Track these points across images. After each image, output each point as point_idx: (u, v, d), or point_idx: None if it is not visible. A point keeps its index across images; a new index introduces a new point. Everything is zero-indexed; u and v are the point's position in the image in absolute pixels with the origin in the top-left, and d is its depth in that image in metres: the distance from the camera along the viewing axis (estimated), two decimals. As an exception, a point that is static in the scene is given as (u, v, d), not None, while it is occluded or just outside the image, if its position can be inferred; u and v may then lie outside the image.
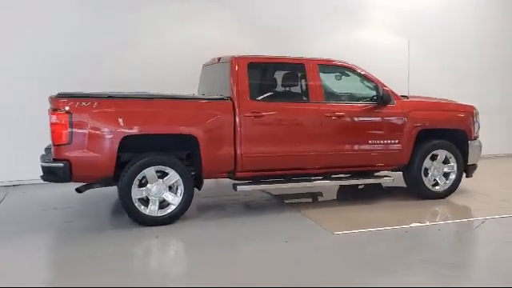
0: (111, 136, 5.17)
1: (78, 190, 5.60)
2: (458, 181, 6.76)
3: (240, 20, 8.76)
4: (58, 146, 5.07)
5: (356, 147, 6.21)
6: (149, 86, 7.11)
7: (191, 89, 7.06)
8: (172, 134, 5.47)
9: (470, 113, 6.87)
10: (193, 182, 5.54)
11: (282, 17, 8.95)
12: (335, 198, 7.06)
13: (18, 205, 6.62)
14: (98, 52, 7.88)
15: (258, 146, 5.75)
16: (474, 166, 6.92)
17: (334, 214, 5.92)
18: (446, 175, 6.71)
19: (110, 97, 5.35)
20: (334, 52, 6.92)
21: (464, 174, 6.84)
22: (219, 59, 6.33)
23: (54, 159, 5.11)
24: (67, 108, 5.05)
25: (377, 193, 7.21)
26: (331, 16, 9.32)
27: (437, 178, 6.67)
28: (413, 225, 5.46)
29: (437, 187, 6.68)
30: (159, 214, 5.42)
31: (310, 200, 7.00)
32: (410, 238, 5.10)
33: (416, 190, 6.68)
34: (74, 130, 5.04)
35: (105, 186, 5.59)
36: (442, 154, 6.63)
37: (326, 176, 6.29)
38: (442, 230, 5.34)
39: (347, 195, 7.12)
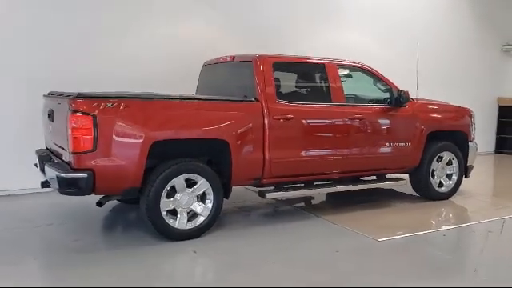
0: (141, 141, 4.59)
1: (100, 204, 4.93)
2: (459, 182, 6.92)
3: (227, 17, 8.32)
4: (80, 153, 4.40)
5: (375, 150, 6.11)
6: (134, 83, 6.73)
7: (177, 85, 6.72)
8: (205, 138, 4.99)
9: (468, 115, 7.06)
10: (222, 190, 5.11)
11: (269, 15, 8.66)
12: (343, 201, 6.86)
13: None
14: (79, 46, 7.08)
15: (285, 150, 5.44)
16: (471, 167, 7.13)
17: (361, 220, 5.75)
18: (449, 176, 6.84)
19: (137, 97, 4.77)
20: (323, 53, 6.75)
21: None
22: (233, 58, 5.93)
23: (74, 169, 4.43)
24: (91, 110, 4.40)
25: (379, 196, 7.15)
26: (319, 16, 9.21)
27: (442, 180, 6.78)
28: (443, 227, 5.47)
29: (442, 188, 6.79)
30: (188, 227, 4.93)
31: (320, 204, 6.80)
32: (454, 240, 5.11)
33: (424, 192, 6.73)
34: (99, 134, 4.41)
35: (126, 197, 4.98)
36: (446, 155, 6.75)
37: (345, 180, 6.14)
38: (477, 232, 5.38)
39: (350, 198, 6.95)
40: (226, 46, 7.75)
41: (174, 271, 4.35)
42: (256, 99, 5.33)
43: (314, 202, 6.76)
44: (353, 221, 5.64)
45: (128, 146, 4.57)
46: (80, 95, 4.46)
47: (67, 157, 4.54)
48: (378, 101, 6.30)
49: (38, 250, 4.77)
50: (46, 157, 5.28)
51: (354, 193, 7.07)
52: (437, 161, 6.68)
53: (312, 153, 5.63)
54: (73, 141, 4.39)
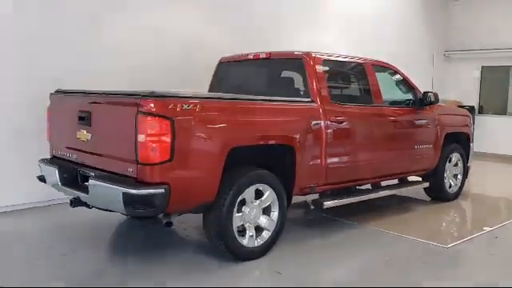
0: (218, 148, 3.93)
1: (169, 224, 4.12)
2: (463, 182, 7.08)
3: (211, 11, 7.69)
4: (154, 164, 3.63)
5: (408, 152, 6.00)
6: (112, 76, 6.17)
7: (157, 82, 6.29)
8: (274, 144, 4.44)
9: (469, 117, 7.26)
10: (286, 201, 4.59)
11: (255, 12, 8.20)
12: (368, 207, 6.36)
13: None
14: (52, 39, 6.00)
15: (340, 155, 5.08)
16: (469, 168, 7.34)
17: (407, 225, 5.58)
18: (455, 177, 6.97)
19: (211, 98, 4.08)
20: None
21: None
22: (270, 54, 5.40)
23: (146, 183, 3.64)
24: (168, 112, 3.65)
25: (389, 200, 6.99)
26: (301, 17, 8.95)
27: (450, 181, 6.88)
28: (485, 228, 5.50)
29: (450, 189, 6.89)
30: (257, 244, 4.35)
31: (349, 211, 6.47)
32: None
33: (437, 194, 6.75)
34: (177, 141, 3.67)
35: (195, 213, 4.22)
36: (455, 157, 6.86)
37: (379, 185, 5.94)
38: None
39: (372, 204, 6.51)
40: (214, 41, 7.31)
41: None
42: (312, 100, 4.89)
43: (339, 208, 6.45)
44: (400, 227, 5.43)
45: (205, 154, 3.89)
46: (154, 94, 3.68)
47: (131, 169, 3.72)
48: (403, 102, 6.18)
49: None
50: (69, 168, 4.36)
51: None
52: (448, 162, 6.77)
53: (361, 157, 5.33)
54: (145, 149, 3.61)
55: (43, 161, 4.73)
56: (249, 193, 4.23)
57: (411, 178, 6.64)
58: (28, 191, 5.70)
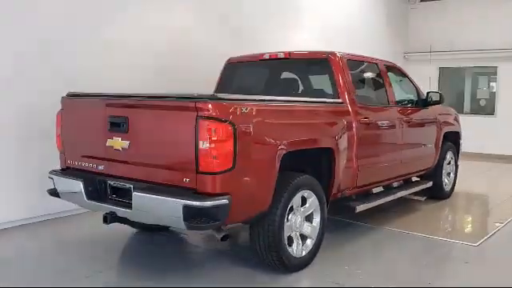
0: (274, 154, 3.68)
1: (226, 237, 3.77)
2: (455, 180, 7.26)
3: (196, 10, 7.34)
4: (217, 173, 3.32)
5: (417, 151, 6.03)
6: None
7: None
8: (318, 148, 4.24)
9: (458, 115, 7.45)
10: (326, 207, 4.41)
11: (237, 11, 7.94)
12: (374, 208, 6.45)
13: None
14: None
15: (368, 156, 4.98)
16: (458, 166, 7.54)
17: (423, 225, 5.61)
18: (448, 175, 7.13)
19: (263, 100, 3.80)
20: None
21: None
22: (289, 54, 5.20)
23: (208, 194, 3.31)
24: (229, 116, 3.36)
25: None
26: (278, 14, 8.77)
27: (445, 179, 7.02)
28: (497, 225, 5.63)
29: (445, 187, 7.03)
30: (303, 254, 4.13)
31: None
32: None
33: (434, 192, 6.83)
34: (238, 148, 3.39)
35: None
36: (449, 155, 7.01)
37: (390, 187, 5.90)
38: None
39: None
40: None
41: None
42: (342, 102, 4.76)
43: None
44: (419, 227, 5.45)
45: (262, 161, 3.63)
46: (214, 97, 3.37)
47: (188, 179, 3.37)
48: (410, 101, 6.20)
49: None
50: (95, 180, 3.92)
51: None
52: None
53: (384, 158, 5.30)
54: (207, 157, 3.29)
55: (57, 173, 4.22)
56: (296, 200, 4.01)
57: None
58: (24, 205, 5.15)
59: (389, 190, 5.87)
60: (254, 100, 3.70)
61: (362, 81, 5.59)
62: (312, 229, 4.22)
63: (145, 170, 3.66)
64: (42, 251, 4.62)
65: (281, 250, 3.85)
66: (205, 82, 5.90)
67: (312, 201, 4.19)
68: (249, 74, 5.60)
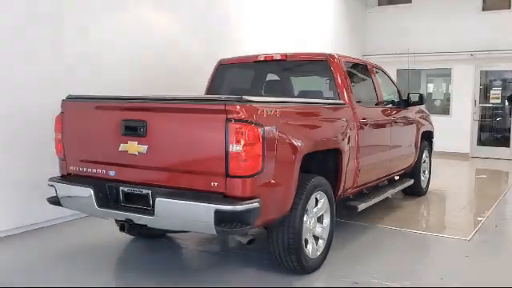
0: (296, 156, 3.69)
1: (252, 241, 3.70)
2: (430, 178, 7.55)
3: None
4: (248, 177, 3.27)
5: (404, 150, 6.22)
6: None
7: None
8: (331, 148, 4.28)
9: (429, 116, 7.74)
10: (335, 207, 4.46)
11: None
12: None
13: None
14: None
15: (366, 156, 5.07)
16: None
17: (417, 222, 5.86)
18: (423, 173, 7.40)
19: (283, 102, 3.78)
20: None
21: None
22: (286, 56, 5.20)
23: (239, 198, 3.25)
24: (257, 118, 3.32)
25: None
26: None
27: (422, 176, 7.28)
28: (479, 218, 5.92)
29: (423, 184, 7.29)
30: (317, 255, 4.15)
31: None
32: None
33: (414, 190, 7.07)
34: (266, 150, 3.36)
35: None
36: (425, 154, 7.29)
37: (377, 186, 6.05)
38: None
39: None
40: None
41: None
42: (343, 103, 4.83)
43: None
44: (409, 223, 5.64)
45: (286, 163, 3.62)
46: (242, 99, 3.31)
47: (216, 183, 3.30)
48: (392, 102, 6.37)
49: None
50: (105, 186, 3.76)
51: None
52: (419, 159, 7.16)
53: (378, 157, 5.42)
54: (237, 161, 3.24)
55: (61, 180, 4.00)
56: (311, 201, 4.03)
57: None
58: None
59: (377, 188, 6.01)
60: (276, 102, 3.67)
61: (357, 82, 5.69)
62: (323, 230, 4.25)
63: (165, 174, 3.54)
64: (33, 263, 4.34)
65: (300, 252, 3.85)
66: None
67: (323, 202, 4.22)
68: (243, 75, 5.57)
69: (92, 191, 3.73)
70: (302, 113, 3.97)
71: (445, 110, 12.89)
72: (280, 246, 3.83)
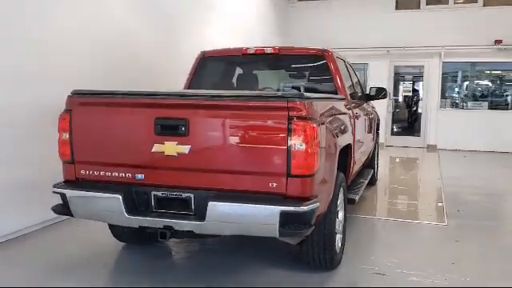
0: (335, 152, 3.68)
1: (302, 242, 3.53)
2: (377, 167, 7.97)
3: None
4: (308, 176, 3.17)
5: (370, 142, 6.47)
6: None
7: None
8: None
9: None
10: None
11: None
12: None
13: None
14: None
15: (358, 149, 5.20)
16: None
17: (390, 210, 6.13)
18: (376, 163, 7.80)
19: (319, 98, 3.70)
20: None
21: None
22: (279, 50, 5.09)
23: (298, 198, 3.14)
24: (315, 115, 3.24)
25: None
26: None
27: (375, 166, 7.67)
28: (439, 204, 6.40)
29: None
30: (339, 250, 4.17)
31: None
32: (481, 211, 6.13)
33: (371, 179, 7.36)
34: (321, 148, 3.29)
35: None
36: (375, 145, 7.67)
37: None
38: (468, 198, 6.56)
39: None
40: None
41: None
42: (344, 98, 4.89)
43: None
44: (382, 212, 5.92)
45: (330, 160, 3.59)
46: (302, 96, 3.19)
47: (275, 183, 3.15)
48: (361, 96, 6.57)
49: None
50: (132, 192, 3.43)
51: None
52: (370, 152, 7.51)
53: (362, 149, 5.59)
54: (300, 160, 3.12)
55: (74, 186, 3.53)
56: (340, 197, 4.05)
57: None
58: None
59: (354, 180, 6.22)
60: (316, 98, 3.58)
61: (347, 76, 5.79)
62: (339, 225, 4.28)
63: (211, 176, 3.29)
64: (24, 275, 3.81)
65: (333, 249, 3.85)
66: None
67: (341, 197, 4.25)
68: (228, 69, 5.36)
69: (121, 198, 3.35)
70: (332, 108, 3.94)
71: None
72: (315, 244, 3.79)
